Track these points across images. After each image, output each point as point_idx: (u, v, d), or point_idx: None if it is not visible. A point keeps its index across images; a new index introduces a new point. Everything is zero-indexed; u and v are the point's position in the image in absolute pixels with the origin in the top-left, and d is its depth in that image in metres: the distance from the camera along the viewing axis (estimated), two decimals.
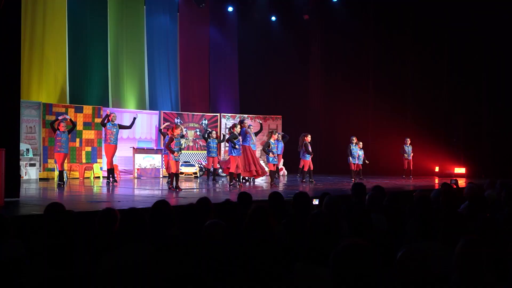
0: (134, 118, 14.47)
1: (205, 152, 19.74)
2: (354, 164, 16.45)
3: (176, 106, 20.51)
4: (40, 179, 15.46)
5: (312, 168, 15.69)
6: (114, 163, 17.08)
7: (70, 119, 13.64)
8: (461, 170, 19.12)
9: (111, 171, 13.88)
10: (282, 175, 18.04)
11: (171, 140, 11.81)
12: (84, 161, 16.91)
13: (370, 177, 17.51)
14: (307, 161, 15.60)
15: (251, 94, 22.12)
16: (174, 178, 11.93)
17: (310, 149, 15.60)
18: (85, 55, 18.13)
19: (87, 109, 17.29)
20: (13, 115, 9.19)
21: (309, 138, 15.73)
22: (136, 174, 17.35)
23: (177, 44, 20.91)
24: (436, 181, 17.09)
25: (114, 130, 13.52)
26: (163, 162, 18.09)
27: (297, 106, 22.28)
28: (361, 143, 17.31)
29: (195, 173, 18.34)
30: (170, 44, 20.62)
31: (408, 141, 18.00)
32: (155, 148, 18.37)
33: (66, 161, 16.54)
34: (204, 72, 21.64)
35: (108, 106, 18.34)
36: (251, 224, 4.29)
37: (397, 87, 20.56)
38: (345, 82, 21.53)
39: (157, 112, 19.42)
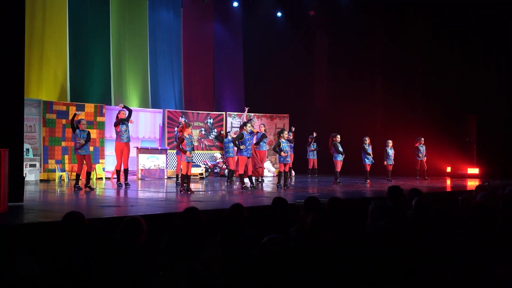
0: (126, 108, 13.23)
1: (211, 152, 19.24)
2: (369, 165, 15.81)
3: (180, 104, 19.86)
4: (41, 181, 14.77)
5: (339, 170, 15.05)
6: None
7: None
8: (474, 170, 18.52)
9: (125, 171, 13.09)
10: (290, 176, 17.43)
11: (182, 140, 11.15)
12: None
13: (380, 178, 16.92)
14: (339, 161, 14.94)
15: (257, 92, 21.51)
16: (186, 180, 11.27)
17: (341, 149, 14.94)
18: (86, 51, 17.44)
19: (89, 107, 16.62)
20: (17, 115, 8.59)
21: (338, 138, 15.05)
22: (140, 175, 16.69)
23: (181, 40, 20.26)
24: (448, 182, 16.52)
25: (125, 127, 12.87)
26: (166, 163, 17.52)
27: (303, 104, 21.68)
28: (390, 141, 16.72)
29: (201, 174, 17.73)
30: (173, 40, 19.97)
31: (422, 140, 17.43)
32: (159, 147, 17.74)
33: (67, 161, 15.94)
34: (208, 69, 21.00)
35: (110, 104, 17.69)
36: (311, 238, 3.66)
37: (407, 85, 19.97)
38: (353, 80, 20.92)
39: (161, 110, 18.77)
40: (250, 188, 12.44)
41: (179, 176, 12.94)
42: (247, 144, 12.57)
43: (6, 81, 8.42)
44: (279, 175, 13.57)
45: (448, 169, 19.21)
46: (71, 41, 17.19)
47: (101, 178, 16.01)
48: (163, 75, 19.56)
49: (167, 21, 19.84)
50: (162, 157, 17.43)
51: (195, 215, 4.98)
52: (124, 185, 12.90)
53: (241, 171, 12.74)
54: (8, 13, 8.56)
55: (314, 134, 18.47)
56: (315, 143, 18.54)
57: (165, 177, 17.34)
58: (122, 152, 12.87)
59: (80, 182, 12.25)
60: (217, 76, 21.25)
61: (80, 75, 17.32)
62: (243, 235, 4.74)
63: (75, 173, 12.50)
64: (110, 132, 17.13)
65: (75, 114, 12.60)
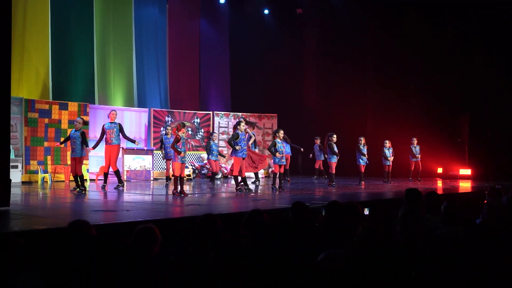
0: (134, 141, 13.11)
1: (198, 153, 18.70)
2: (363, 166, 15.40)
3: (165, 103, 19.25)
4: (23, 183, 14.05)
5: (333, 171, 14.52)
6: (101, 165, 15.85)
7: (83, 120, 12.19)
8: (466, 171, 18.26)
9: (116, 173, 12.51)
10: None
11: (177, 140, 10.62)
12: (69, 162, 15.49)
13: (372, 179, 16.57)
14: (334, 162, 14.43)
15: (244, 91, 20.98)
16: (179, 182, 10.74)
17: (336, 149, 14.44)
18: (69, 48, 16.70)
19: (73, 106, 15.94)
20: (3, 114, 7.95)
21: (334, 138, 14.53)
22: (125, 177, 16.06)
23: (166, 37, 19.63)
24: (440, 184, 16.22)
25: (114, 129, 12.24)
26: (152, 164, 16.95)
27: (292, 104, 21.25)
28: (387, 141, 16.33)
29: (189, 175, 17.17)
30: (159, 37, 19.34)
31: (415, 141, 17.10)
32: (145, 148, 17.13)
33: (50, 162, 15.27)
34: (194, 67, 20.38)
35: (94, 103, 17.05)
36: (365, 249, 3.20)
37: (398, 84, 19.59)
38: (345, 78, 20.44)
39: (147, 109, 18.16)
40: (245, 190, 11.98)
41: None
42: (242, 145, 12.08)
43: None
44: (273, 176, 13.08)
45: (440, 170, 18.93)
46: (53, 37, 16.44)
47: (85, 180, 15.32)
48: (149, 73, 18.91)
49: (153, 18, 19.19)
50: (148, 158, 16.86)
51: (211, 225, 4.48)
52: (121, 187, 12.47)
53: (235, 173, 12.21)
54: None
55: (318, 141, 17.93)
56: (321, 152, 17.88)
57: (152, 178, 16.78)
58: (115, 152, 12.35)
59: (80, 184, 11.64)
60: (204, 74, 20.64)
61: (63, 73, 16.59)
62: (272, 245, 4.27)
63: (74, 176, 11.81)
64: (94, 132, 16.48)
65: None
